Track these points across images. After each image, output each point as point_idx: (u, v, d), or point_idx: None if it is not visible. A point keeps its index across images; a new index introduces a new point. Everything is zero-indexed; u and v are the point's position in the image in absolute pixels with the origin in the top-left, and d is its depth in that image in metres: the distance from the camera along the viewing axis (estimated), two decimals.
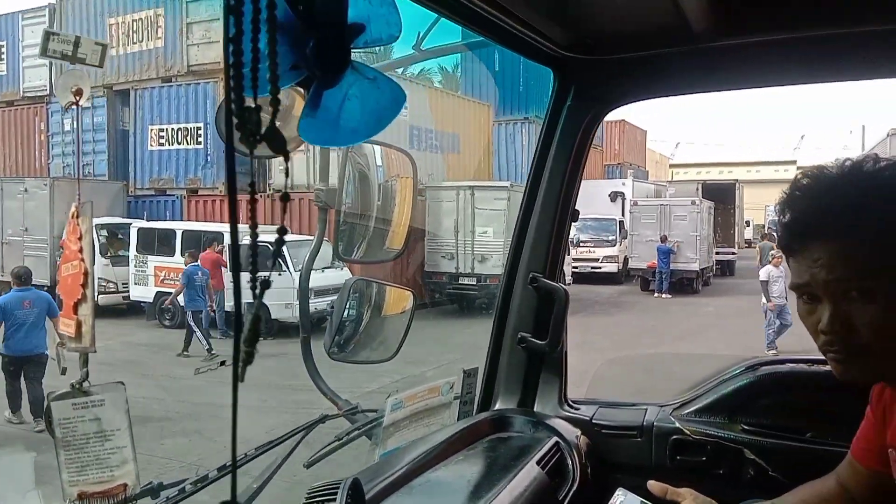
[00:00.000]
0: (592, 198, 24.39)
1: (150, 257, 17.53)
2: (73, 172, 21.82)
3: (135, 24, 22.31)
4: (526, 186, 2.20)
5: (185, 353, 13.02)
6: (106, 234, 18.46)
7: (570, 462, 1.93)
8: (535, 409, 2.20)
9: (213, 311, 15.17)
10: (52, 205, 18.63)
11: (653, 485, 1.63)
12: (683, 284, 23.46)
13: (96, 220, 17.94)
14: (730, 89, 2.09)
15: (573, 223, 2.25)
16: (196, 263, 14.45)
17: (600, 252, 25.24)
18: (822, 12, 1.72)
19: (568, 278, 17.76)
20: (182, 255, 16.79)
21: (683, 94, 2.18)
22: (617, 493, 1.66)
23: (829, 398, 2.00)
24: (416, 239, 18.55)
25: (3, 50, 24.59)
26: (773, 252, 14.45)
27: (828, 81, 2.07)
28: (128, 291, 17.69)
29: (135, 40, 22.30)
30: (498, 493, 1.61)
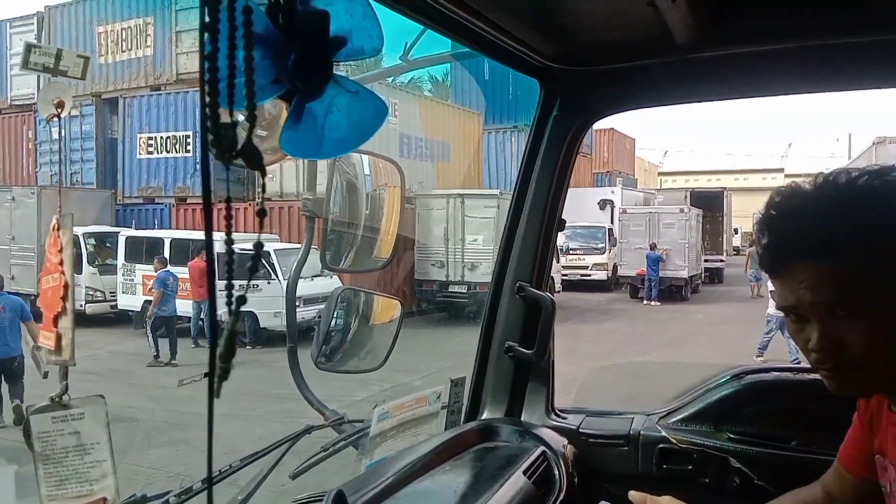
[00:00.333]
0: (582, 206, 24.50)
1: (137, 266, 17.43)
2: (61, 181, 21.70)
3: (124, 32, 22.26)
4: (513, 196, 2.21)
5: (173, 361, 12.99)
6: (94, 243, 18.37)
7: (556, 471, 1.93)
8: (522, 419, 2.20)
9: (202, 320, 15.12)
10: (40, 213, 18.50)
11: (633, 495, 1.64)
12: (672, 292, 23.55)
13: (84, 229, 17.89)
14: (714, 100, 2.10)
15: (561, 231, 2.26)
16: (167, 269, 14.42)
17: (590, 259, 25.33)
18: (806, 24, 1.74)
19: (557, 286, 17.79)
20: (170, 263, 16.75)
21: (668, 104, 2.20)
22: None
23: (814, 406, 2.02)
24: (405, 247, 18.55)
25: None
26: None
27: (813, 92, 2.09)
28: (115, 300, 17.58)
29: (124, 48, 22.26)
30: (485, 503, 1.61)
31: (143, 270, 17.16)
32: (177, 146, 21.15)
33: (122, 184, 21.97)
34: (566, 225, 2.25)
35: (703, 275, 26.77)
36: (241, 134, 0.49)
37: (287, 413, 7.48)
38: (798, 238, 1.21)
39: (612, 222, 26.40)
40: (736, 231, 40.64)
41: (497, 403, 2.20)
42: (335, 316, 2.16)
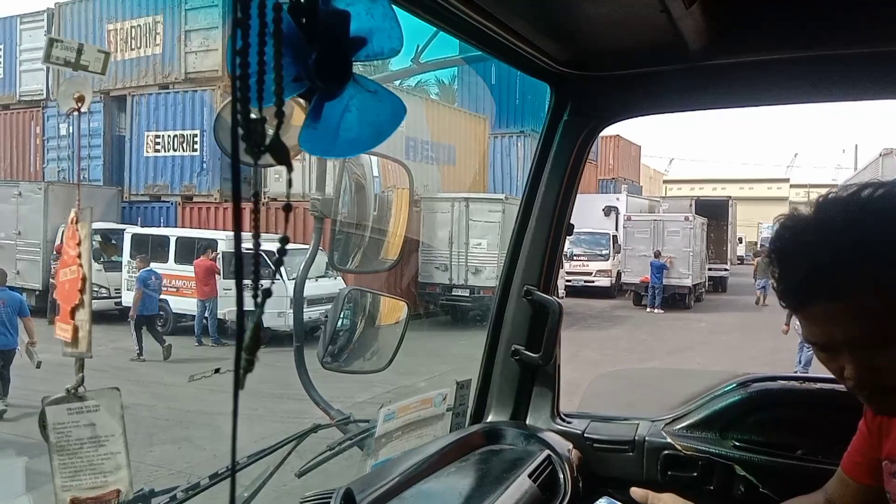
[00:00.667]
0: (586, 212, 24.46)
1: None
2: (69, 177, 21.75)
3: (133, 30, 22.33)
4: (522, 200, 2.21)
5: (142, 357, 13.07)
6: (99, 240, 18.41)
7: (561, 476, 1.93)
8: (527, 422, 2.20)
9: (206, 319, 15.17)
10: (47, 209, 18.57)
11: (635, 491, 1.64)
12: (676, 300, 23.51)
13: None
14: (725, 107, 2.11)
15: (569, 236, 2.26)
16: (149, 268, 14.47)
17: (593, 266, 25.31)
18: (818, 33, 1.75)
19: (561, 292, 17.79)
20: (176, 261, 16.82)
21: (679, 111, 2.20)
22: (601, 501, 1.67)
23: (819, 415, 2.02)
24: (410, 250, 18.55)
25: (1, 54, 24.58)
26: None
27: (822, 101, 2.09)
28: (120, 297, 17.63)
29: (133, 46, 22.32)
30: None
31: None
32: (184, 145, 21.22)
33: (129, 181, 22.03)
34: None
35: (706, 283, 26.73)
36: (269, 130, 0.50)
37: (289, 413, 7.49)
38: (818, 280, 1.18)
39: (616, 229, 26.39)
40: (740, 240, 40.57)
41: (502, 406, 2.21)
42: (342, 316, 2.16)
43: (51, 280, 16.42)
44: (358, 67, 0.80)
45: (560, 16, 1.66)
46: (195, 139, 20.99)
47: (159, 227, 19.86)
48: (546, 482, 1.85)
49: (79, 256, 1.16)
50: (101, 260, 18.16)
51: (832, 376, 1.29)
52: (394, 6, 0.83)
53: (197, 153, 21.00)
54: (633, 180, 39.00)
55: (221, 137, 1.66)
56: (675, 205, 30.44)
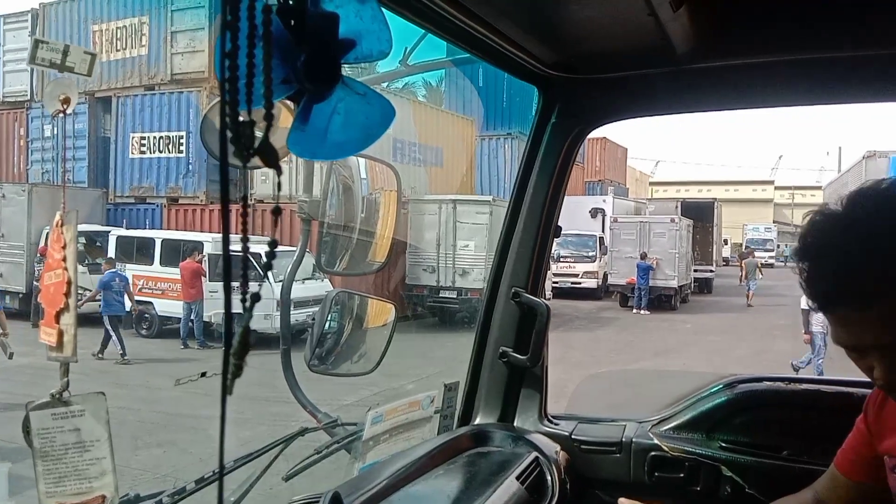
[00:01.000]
0: (573, 214, 24.49)
1: (128, 265, 17.33)
2: (53, 179, 21.55)
3: (119, 31, 22.17)
4: (509, 202, 2.21)
5: (100, 355, 12.97)
6: (84, 242, 18.23)
7: (549, 477, 1.93)
8: (515, 424, 2.20)
9: (192, 322, 15.07)
10: (31, 211, 18.38)
11: (623, 502, 1.65)
12: (662, 301, 23.62)
13: None
14: (712, 110, 2.12)
15: (555, 239, 2.27)
16: (113, 270, 14.41)
17: (580, 267, 25.37)
18: (802, 38, 1.76)
19: (548, 293, 17.81)
20: (161, 263, 16.70)
21: (666, 114, 2.21)
22: None
23: (805, 416, 2.03)
24: (398, 252, 18.53)
25: None
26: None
27: (807, 104, 2.11)
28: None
29: (118, 47, 22.15)
30: None
31: (134, 270, 17.08)
32: (170, 146, 21.09)
33: (114, 183, 21.86)
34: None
35: (692, 285, 26.88)
36: (258, 132, 0.49)
37: (276, 416, 7.45)
38: (847, 286, 1.18)
39: (603, 231, 26.47)
40: (726, 242, 40.84)
41: (490, 408, 2.21)
42: (329, 319, 2.16)
43: (34, 283, 16.26)
44: (346, 69, 0.80)
45: (548, 19, 1.67)
46: (181, 141, 20.86)
47: (145, 229, 19.72)
48: (534, 484, 1.85)
49: (64, 260, 1.15)
50: (86, 262, 18.00)
51: (818, 377, 1.30)
52: (382, 8, 0.83)
53: (183, 155, 20.87)
54: (619, 182, 39.14)
55: (208, 139, 1.65)
56: (661, 207, 30.60)
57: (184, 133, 20.75)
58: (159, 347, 13.72)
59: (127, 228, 19.47)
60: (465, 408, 2.22)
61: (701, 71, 1.89)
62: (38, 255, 16.93)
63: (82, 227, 18.23)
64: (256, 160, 0.52)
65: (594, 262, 25.65)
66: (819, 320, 11.33)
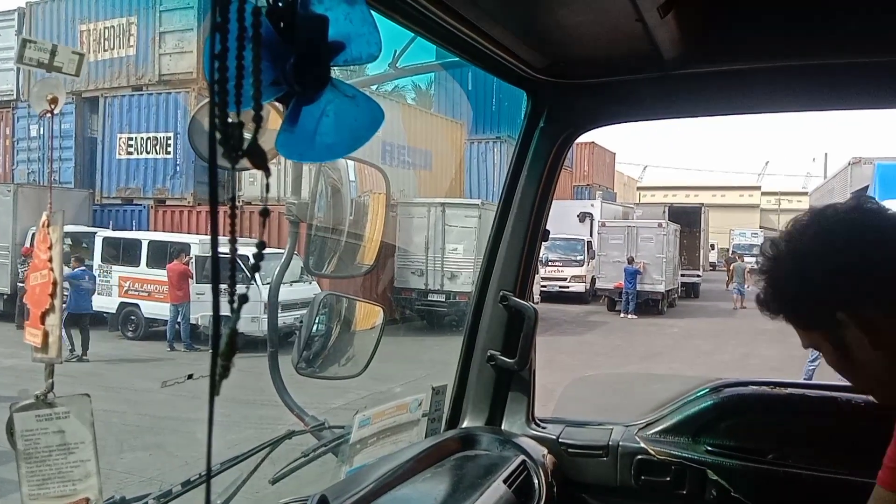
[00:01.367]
0: (561, 218, 24.53)
1: (114, 267, 17.22)
2: (38, 179, 21.36)
3: (106, 31, 22.03)
4: (498, 206, 2.22)
5: (84, 357, 12.91)
6: (70, 243, 18.08)
7: (536, 481, 1.94)
8: (502, 428, 2.21)
9: (179, 324, 14.98)
10: (16, 211, 18.20)
11: None
12: (649, 305, 23.72)
13: None
14: (699, 116, 2.14)
15: (543, 243, 2.27)
16: (83, 268, 14.34)
17: (568, 271, 25.43)
18: (789, 44, 1.78)
19: (536, 297, 17.83)
20: (148, 265, 16.61)
21: (654, 119, 2.23)
22: None
23: (791, 420, 2.04)
24: (386, 255, 18.50)
25: None
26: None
27: (794, 111, 2.13)
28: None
29: (106, 48, 22.01)
30: None
31: (120, 272, 16.98)
32: (157, 147, 20.97)
33: (101, 184, 21.70)
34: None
35: (679, 289, 27.00)
36: (247, 134, 0.49)
37: (263, 419, 7.42)
38: (788, 312, 1.25)
39: (591, 235, 26.55)
40: (713, 247, 41.04)
41: (478, 412, 2.21)
42: (317, 321, 2.15)
43: (19, 284, 16.11)
44: (335, 72, 0.80)
45: (537, 23, 1.67)
46: (168, 142, 20.75)
47: (131, 230, 19.60)
48: (521, 487, 1.85)
49: (50, 260, 1.14)
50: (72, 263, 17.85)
51: (803, 382, 1.32)
52: (372, 11, 0.83)
53: (170, 156, 20.75)
54: (607, 187, 39.29)
55: (196, 141, 1.64)
56: (648, 211, 30.75)
57: (171, 134, 20.63)
58: (146, 349, 13.62)
59: (113, 230, 19.33)
60: (453, 411, 2.22)
61: (688, 77, 1.91)
62: (22, 255, 16.78)
63: (68, 228, 18.06)
64: (245, 162, 0.52)
65: (582, 266, 25.72)
66: None
